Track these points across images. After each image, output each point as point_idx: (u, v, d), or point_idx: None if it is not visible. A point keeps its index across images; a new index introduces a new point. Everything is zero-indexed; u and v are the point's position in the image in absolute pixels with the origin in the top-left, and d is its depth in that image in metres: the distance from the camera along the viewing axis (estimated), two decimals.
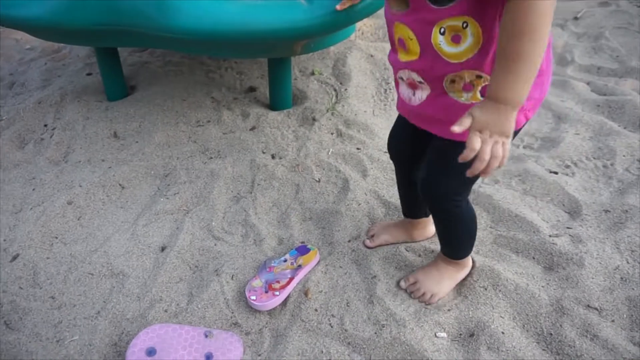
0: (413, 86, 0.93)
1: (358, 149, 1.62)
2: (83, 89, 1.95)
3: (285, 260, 1.21)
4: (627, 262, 1.18)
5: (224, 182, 1.50)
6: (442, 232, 1.13)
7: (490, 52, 0.80)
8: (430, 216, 1.26)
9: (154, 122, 1.74)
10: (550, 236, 1.26)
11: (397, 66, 0.94)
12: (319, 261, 1.23)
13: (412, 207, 1.25)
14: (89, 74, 2.10)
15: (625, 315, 1.06)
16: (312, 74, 2.02)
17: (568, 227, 1.29)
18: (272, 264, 1.20)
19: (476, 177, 0.95)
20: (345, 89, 1.90)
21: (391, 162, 1.53)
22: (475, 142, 0.74)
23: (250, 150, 1.62)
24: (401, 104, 1.03)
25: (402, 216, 1.31)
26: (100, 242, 1.31)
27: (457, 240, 1.12)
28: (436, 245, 1.25)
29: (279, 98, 1.79)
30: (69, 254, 1.27)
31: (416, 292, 1.13)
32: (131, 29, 1.49)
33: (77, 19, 1.49)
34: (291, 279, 1.15)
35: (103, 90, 1.92)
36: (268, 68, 1.75)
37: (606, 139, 1.63)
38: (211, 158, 1.61)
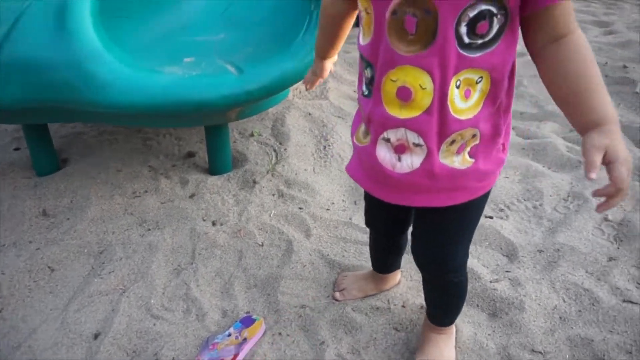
0: (402, 149, 0.78)
1: (300, 208, 1.61)
2: (9, 165, 1.86)
3: (229, 335, 1.16)
4: (564, 301, 1.22)
5: (163, 254, 1.44)
6: (439, 302, 1.08)
7: (487, 110, 0.76)
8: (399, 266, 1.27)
9: (86, 197, 1.67)
10: (490, 282, 1.29)
11: (386, 124, 0.77)
12: (265, 331, 1.18)
13: (386, 266, 1.26)
14: (16, 149, 2.00)
15: (567, 356, 1.08)
16: (252, 135, 2.04)
17: (507, 271, 1.33)
18: (216, 340, 1.14)
19: (470, 238, 0.96)
20: (285, 149, 1.92)
21: (333, 219, 1.55)
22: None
23: (190, 219, 1.57)
24: (368, 172, 0.86)
25: (341, 270, 1.31)
26: (24, 336, 1.19)
27: (454, 307, 1.08)
28: (382, 303, 1.25)
29: (218, 162, 1.78)
30: None
31: None
32: (61, 105, 1.46)
33: (2, 98, 1.43)
34: (235, 355, 1.10)
35: (32, 166, 1.83)
36: (205, 133, 1.75)
37: (533, 180, 1.73)
38: (149, 230, 1.55)
